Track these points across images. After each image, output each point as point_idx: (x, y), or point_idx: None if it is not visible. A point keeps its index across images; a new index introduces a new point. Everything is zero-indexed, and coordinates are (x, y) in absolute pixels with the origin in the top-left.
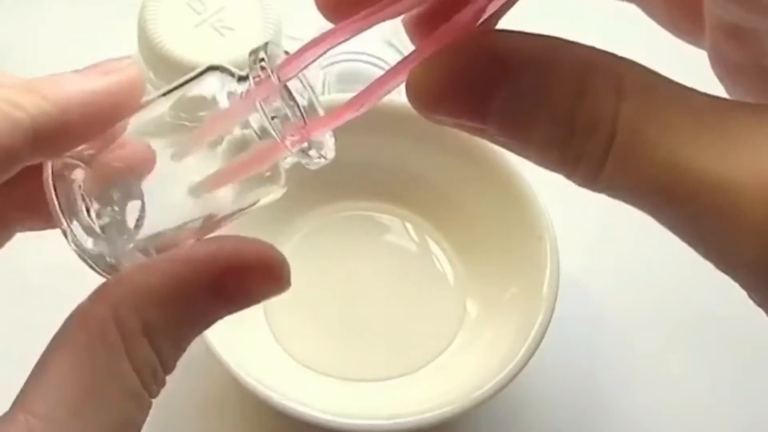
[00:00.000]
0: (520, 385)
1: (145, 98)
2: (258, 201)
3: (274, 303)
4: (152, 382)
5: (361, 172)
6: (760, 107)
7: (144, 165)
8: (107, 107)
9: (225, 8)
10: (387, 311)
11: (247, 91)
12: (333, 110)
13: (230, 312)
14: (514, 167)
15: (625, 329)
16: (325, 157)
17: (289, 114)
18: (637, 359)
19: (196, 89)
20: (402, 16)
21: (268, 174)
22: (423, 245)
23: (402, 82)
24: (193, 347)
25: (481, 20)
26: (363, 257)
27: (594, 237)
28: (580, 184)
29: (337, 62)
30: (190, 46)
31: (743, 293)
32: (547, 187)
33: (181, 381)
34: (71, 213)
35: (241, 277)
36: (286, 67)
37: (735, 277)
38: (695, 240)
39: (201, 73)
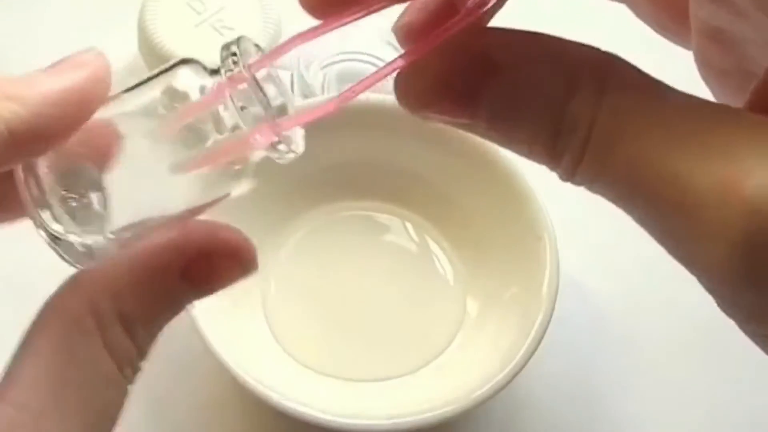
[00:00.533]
0: (520, 385)
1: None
2: (228, 193)
3: (274, 303)
4: (129, 369)
5: (361, 172)
6: (735, 112)
7: (107, 149)
8: (80, 104)
9: (225, 8)
10: (387, 311)
11: (219, 84)
12: (306, 108)
13: (200, 297)
14: (514, 167)
15: (625, 329)
16: (294, 152)
17: (259, 109)
18: (637, 359)
19: (167, 81)
20: (392, 25)
21: (237, 167)
22: (423, 245)
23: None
24: (193, 347)
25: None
26: (363, 257)
27: (594, 237)
28: (561, 178)
29: (336, 62)
30: (190, 46)
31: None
32: (546, 187)
33: (181, 381)
34: (40, 202)
35: (209, 263)
36: (259, 64)
37: (699, 280)
38: (663, 238)
39: (173, 66)
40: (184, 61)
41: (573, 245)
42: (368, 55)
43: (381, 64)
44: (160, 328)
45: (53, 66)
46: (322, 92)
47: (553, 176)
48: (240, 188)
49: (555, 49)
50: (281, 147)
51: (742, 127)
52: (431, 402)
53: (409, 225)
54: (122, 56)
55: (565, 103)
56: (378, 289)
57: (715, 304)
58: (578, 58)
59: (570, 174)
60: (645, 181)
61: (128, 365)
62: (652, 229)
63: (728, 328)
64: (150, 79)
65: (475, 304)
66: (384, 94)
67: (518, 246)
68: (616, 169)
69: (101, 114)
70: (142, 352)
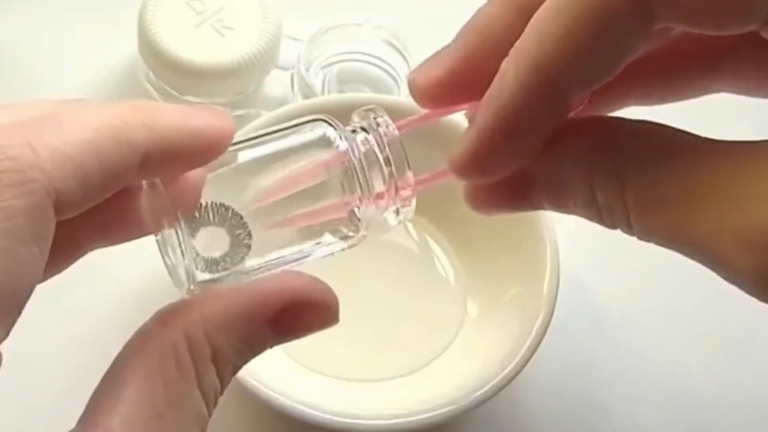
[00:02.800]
0: (520, 385)
1: (238, 137)
2: (333, 251)
3: None
4: (212, 405)
5: None
6: (743, 155)
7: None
8: (206, 146)
9: (225, 8)
10: (387, 311)
11: (367, 139)
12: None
13: (282, 342)
14: None
15: (625, 329)
16: (407, 218)
17: (401, 165)
18: (637, 359)
19: (306, 136)
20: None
21: (347, 230)
22: (423, 244)
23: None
24: None
25: None
26: (363, 256)
27: (594, 237)
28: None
29: (336, 62)
30: (190, 46)
31: (743, 293)
32: None
33: None
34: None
35: (296, 313)
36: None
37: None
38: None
39: (308, 122)
40: (319, 119)
41: (573, 245)
42: (368, 55)
43: (381, 63)
44: (241, 367)
45: (185, 106)
46: (323, 92)
47: None
48: (345, 247)
49: (575, 147)
50: (410, 207)
51: (751, 170)
52: (431, 402)
53: (409, 224)
54: (122, 56)
55: (594, 194)
56: (378, 288)
57: (716, 306)
58: (589, 154)
59: (629, 234)
60: (679, 239)
61: (212, 402)
62: (700, 264)
63: (729, 328)
64: (282, 130)
65: (476, 304)
66: (383, 95)
67: (519, 246)
68: (659, 233)
69: (237, 157)
70: (222, 389)
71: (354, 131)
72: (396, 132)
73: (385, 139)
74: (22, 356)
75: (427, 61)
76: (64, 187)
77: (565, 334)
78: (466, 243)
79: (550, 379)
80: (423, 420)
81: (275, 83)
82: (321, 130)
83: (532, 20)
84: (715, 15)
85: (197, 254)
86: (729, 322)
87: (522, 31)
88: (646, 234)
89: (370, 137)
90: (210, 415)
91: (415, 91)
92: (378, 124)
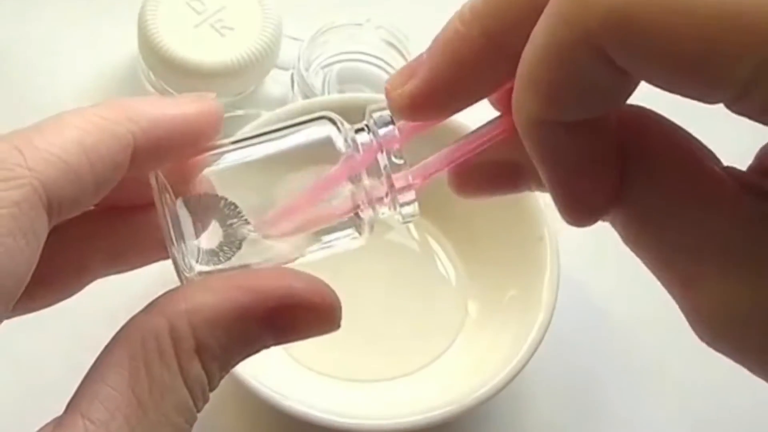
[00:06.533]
0: (520, 385)
1: (243, 134)
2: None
3: None
4: (200, 399)
5: None
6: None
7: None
8: (193, 131)
9: (225, 8)
10: (388, 311)
11: (370, 141)
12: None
13: (277, 344)
14: None
15: (625, 330)
16: (414, 215)
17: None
18: (637, 359)
19: (309, 134)
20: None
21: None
22: (425, 245)
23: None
24: None
25: None
26: (365, 257)
27: (594, 237)
28: None
29: (336, 62)
30: (190, 46)
31: None
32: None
33: None
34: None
35: (293, 314)
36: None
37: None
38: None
39: (311, 120)
40: (323, 117)
41: (573, 246)
42: (368, 55)
43: (381, 64)
44: (233, 364)
45: (171, 98)
46: (323, 92)
47: None
48: (350, 245)
49: None
50: (415, 206)
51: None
52: (431, 402)
53: (410, 224)
54: (122, 56)
55: None
56: (379, 288)
57: None
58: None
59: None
60: (649, 262)
61: (200, 395)
62: None
63: None
64: (285, 128)
65: (476, 305)
66: (383, 95)
67: (519, 246)
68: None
69: (234, 157)
70: (212, 384)
71: (358, 131)
72: (396, 133)
73: (385, 142)
74: (26, 354)
75: (400, 73)
76: (55, 185)
77: (565, 334)
78: (467, 244)
79: (550, 379)
80: (423, 420)
81: (275, 83)
82: (325, 130)
83: (518, 75)
84: (672, 74)
85: (199, 246)
86: None
87: (489, 55)
88: (627, 241)
89: (372, 140)
90: (198, 409)
91: (391, 105)
92: (378, 126)
